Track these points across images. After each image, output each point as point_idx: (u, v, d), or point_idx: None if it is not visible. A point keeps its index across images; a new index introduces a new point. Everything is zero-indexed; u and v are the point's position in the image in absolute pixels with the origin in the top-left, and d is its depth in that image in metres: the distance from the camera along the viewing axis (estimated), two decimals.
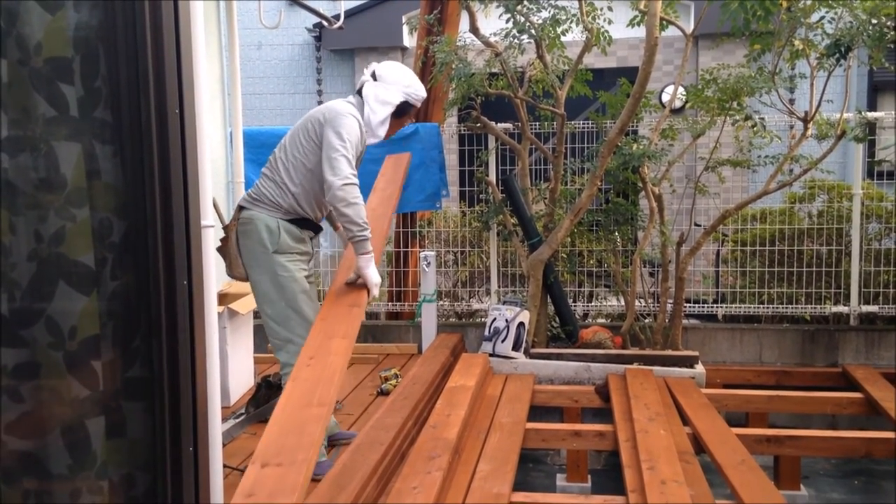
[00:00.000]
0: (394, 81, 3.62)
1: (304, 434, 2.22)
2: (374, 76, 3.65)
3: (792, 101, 7.05)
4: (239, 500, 2.22)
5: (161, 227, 1.81)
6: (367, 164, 5.71)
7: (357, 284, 3.49)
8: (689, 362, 5.15)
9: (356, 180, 3.38)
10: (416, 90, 3.66)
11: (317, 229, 3.69)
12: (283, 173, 3.51)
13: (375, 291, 3.46)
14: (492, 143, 6.18)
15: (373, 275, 3.44)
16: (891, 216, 5.94)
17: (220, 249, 3.61)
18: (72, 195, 1.72)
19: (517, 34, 5.17)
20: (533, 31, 5.21)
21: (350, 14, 9.22)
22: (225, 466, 3.29)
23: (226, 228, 3.62)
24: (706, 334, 5.93)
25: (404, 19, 9.72)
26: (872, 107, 9.16)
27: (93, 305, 1.78)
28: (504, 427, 4.14)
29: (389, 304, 6.68)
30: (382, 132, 3.65)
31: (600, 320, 6.38)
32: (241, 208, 3.57)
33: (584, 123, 6.21)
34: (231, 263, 3.58)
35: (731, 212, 5.42)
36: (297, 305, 3.48)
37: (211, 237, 2.11)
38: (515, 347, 5.20)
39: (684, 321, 5.73)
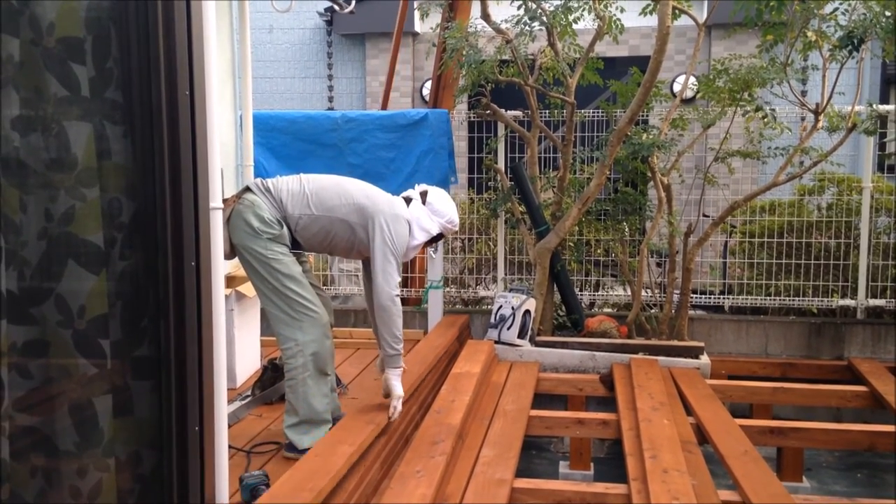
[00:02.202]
0: (440, 214, 3.76)
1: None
2: (423, 198, 3.76)
3: (803, 93, 7.01)
4: None
5: (170, 209, 1.82)
6: (377, 151, 5.76)
7: (384, 401, 3.65)
8: (694, 353, 5.15)
9: (399, 291, 3.56)
10: (454, 224, 3.84)
11: (297, 246, 3.73)
12: (315, 197, 3.56)
13: (398, 404, 3.59)
14: (501, 131, 6.16)
15: (398, 388, 3.60)
16: None
17: None
18: (82, 175, 1.73)
19: (528, 21, 5.15)
20: (544, 19, 5.19)
21: None
22: (230, 447, 3.31)
23: (226, 201, 3.58)
24: (712, 325, 5.93)
25: (416, 4, 9.69)
26: (885, 100, 9.10)
27: (101, 285, 1.79)
28: (508, 414, 4.15)
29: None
30: (413, 255, 3.83)
31: (606, 310, 6.38)
32: (247, 189, 3.57)
33: (594, 112, 6.20)
34: None
35: (740, 203, 5.40)
36: (291, 283, 3.50)
37: (219, 219, 2.12)
38: (521, 335, 5.22)
39: (690, 312, 5.73)
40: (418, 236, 3.72)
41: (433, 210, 3.75)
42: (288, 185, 3.58)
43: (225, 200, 3.59)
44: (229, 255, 3.57)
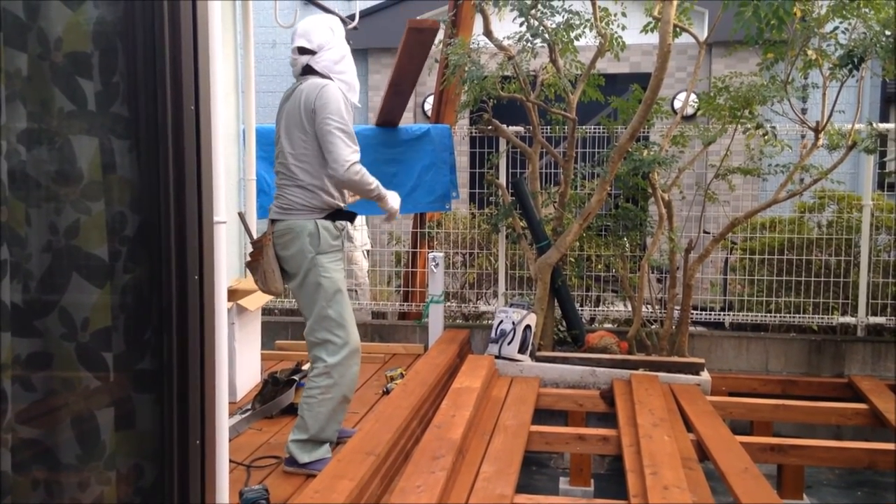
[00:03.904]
0: (328, 39, 3.61)
1: None
2: (307, 52, 3.60)
3: (804, 111, 7.04)
4: None
5: (174, 222, 1.83)
6: (380, 166, 5.77)
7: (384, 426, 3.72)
8: (694, 369, 5.14)
9: (355, 157, 3.48)
10: (339, 23, 3.72)
11: (351, 218, 3.73)
12: (304, 175, 3.52)
13: (396, 216, 3.87)
14: (503, 146, 6.19)
15: (394, 204, 3.78)
16: None
17: (250, 265, 3.61)
18: (87, 188, 1.74)
19: (530, 38, 5.19)
20: (546, 36, 5.22)
21: (365, 14, 9.25)
22: (230, 461, 3.31)
23: (256, 243, 3.60)
24: (713, 342, 5.93)
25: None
26: (885, 118, 9.13)
27: (105, 298, 1.80)
28: (508, 429, 4.15)
29: (397, 304, 6.70)
30: (358, 83, 3.73)
31: (607, 325, 6.38)
32: (273, 221, 3.57)
33: (595, 128, 6.22)
34: (266, 279, 3.56)
35: (741, 220, 5.41)
36: (334, 306, 3.51)
37: (223, 233, 2.13)
38: (521, 350, 5.21)
39: (691, 328, 5.73)
40: (346, 69, 3.64)
41: (324, 45, 3.59)
42: (293, 193, 3.53)
43: (257, 241, 3.59)
44: (280, 292, 3.62)
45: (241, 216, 3.99)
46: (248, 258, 3.63)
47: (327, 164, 3.47)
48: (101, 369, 1.83)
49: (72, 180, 1.73)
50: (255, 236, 3.76)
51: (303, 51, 3.61)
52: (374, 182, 3.59)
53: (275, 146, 3.69)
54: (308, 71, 3.61)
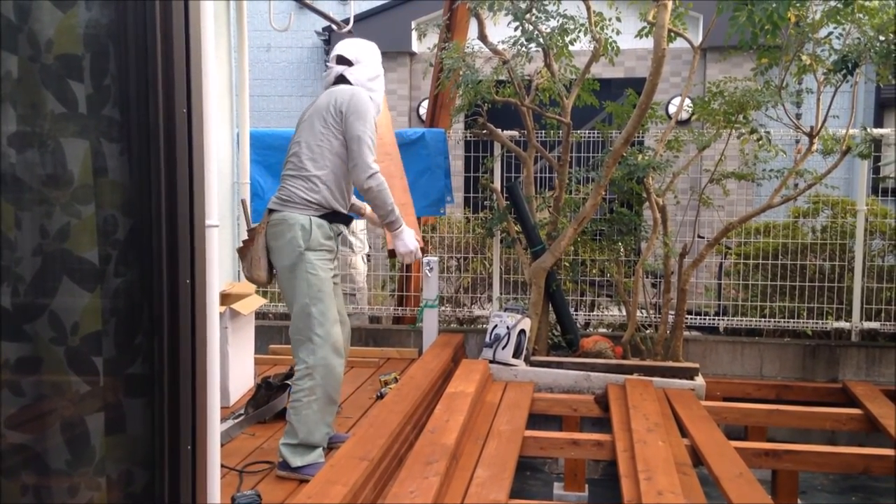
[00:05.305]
0: (367, 57, 3.79)
1: None
2: (345, 62, 3.75)
3: (798, 116, 7.05)
4: None
5: (166, 226, 1.82)
6: None
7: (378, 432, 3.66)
8: (689, 374, 5.14)
9: (377, 167, 3.58)
10: (378, 52, 3.88)
11: (347, 221, 3.75)
12: (310, 165, 3.56)
13: (409, 259, 3.84)
14: (497, 151, 6.18)
15: (407, 242, 3.77)
16: (894, 233, 5.94)
17: (241, 251, 3.67)
18: (78, 192, 1.73)
19: (525, 42, 5.18)
20: (541, 40, 5.22)
21: (359, 18, 9.25)
22: (222, 466, 3.29)
23: (252, 231, 3.65)
24: (707, 346, 5.93)
25: (413, 24, 9.74)
26: (879, 123, 9.15)
27: (96, 302, 1.79)
28: (503, 434, 4.14)
29: (392, 308, 6.69)
30: (382, 106, 3.89)
31: (601, 330, 6.38)
32: (270, 211, 3.61)
33: (589, 133, 6.22)
34: (252, 265, 3.63)
35: (735, 224, 5.42)
36: (317, 304, 3.51)
37: (215, 237, 2.12)
38: (516, 355, 5.20)
39: (685, 333, 5.72)
40: (377, 87, 3.78)
41: (363, 62, 3.75)
42: (294, 185, 3.57)
43: (252, 229, 3.63)
44: (264, 280, 3.64)
45: (244, 203, 4.04)
46: (241, 244, 3.68)
47: (350, 166, 3.58)
48: (92, 374, 1.81)
49: (62, 183, 1.71)
50: (251, 224, 3.79)
51: (341, 60, 3.76)
52: (391, 202, 3.66)
53: (290, 145, 3.77)
54: (341, 80, 3.73)
